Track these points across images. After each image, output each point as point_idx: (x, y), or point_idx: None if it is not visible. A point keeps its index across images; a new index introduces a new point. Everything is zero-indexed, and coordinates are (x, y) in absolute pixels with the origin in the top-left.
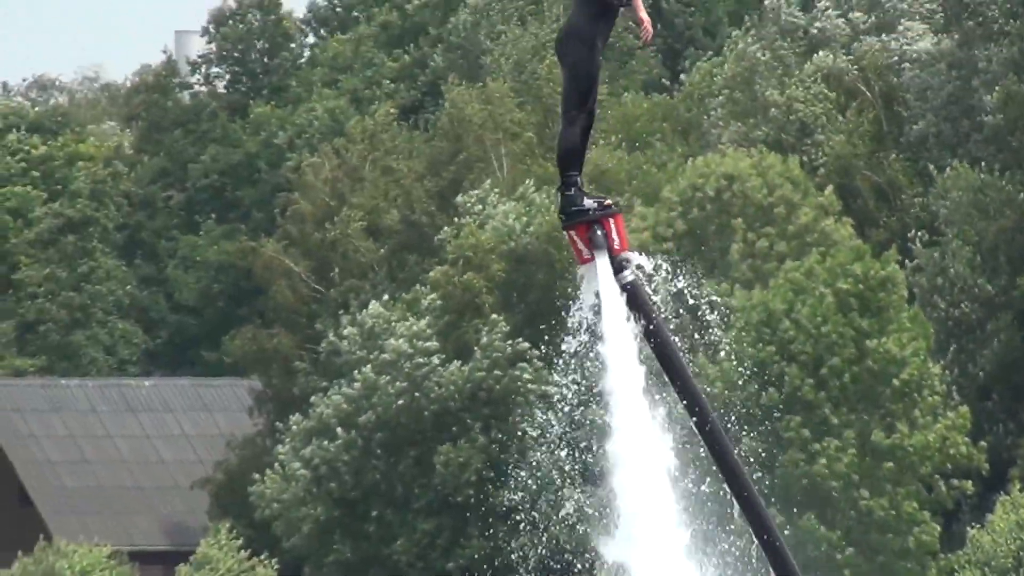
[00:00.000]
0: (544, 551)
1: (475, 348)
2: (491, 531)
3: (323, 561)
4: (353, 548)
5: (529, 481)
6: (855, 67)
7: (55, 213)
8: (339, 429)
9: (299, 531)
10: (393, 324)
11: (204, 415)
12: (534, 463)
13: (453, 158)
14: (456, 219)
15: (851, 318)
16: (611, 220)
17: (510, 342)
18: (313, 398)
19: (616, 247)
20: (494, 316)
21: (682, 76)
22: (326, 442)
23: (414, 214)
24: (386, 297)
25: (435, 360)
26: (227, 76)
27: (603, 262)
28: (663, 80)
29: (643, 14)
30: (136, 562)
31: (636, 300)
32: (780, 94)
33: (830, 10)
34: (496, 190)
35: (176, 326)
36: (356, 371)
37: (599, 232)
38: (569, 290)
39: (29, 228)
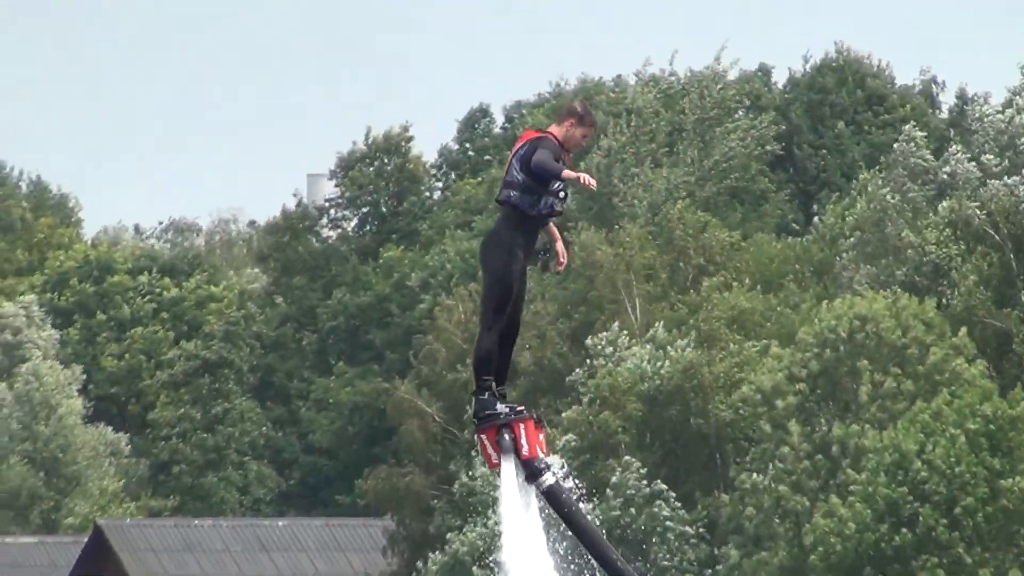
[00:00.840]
0: None
1: (608, 489)
2: None
3: None
4: None
5: None
6: (983, 211)
7: (189, 355)
8: (475, 568)
9: None
10: None
11: (338, 555)
12: None
13: (585, 300)
14: (588, 360)
15: (983, 458)
16: (521, 425)
17: (645, 481)
18: (449, 535)
19: (524, 452)
20: (627, 458)
21: (815, 219)
22: None
23: (547, 355)
24: None
25: None
26: (355, 219)
27: (507, 466)
28: (794, 224)
29: (559, 245)
30: None
31: (556, 502)
32: (915, 235)
33: (960, 153)
34: (625, 332)
35: (309, 467)
36: (491, 510)
37: (507, 436)
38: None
39: (162, 369)
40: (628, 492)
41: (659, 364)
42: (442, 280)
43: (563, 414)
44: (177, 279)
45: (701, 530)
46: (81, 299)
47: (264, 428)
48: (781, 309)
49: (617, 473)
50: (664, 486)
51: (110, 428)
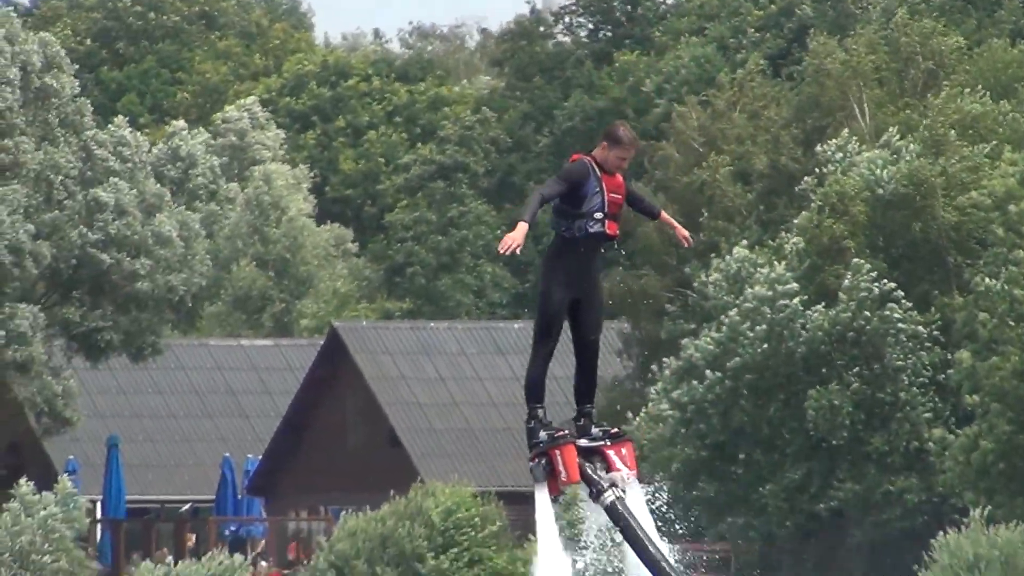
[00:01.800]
0: (919, 495)
1: (839, 292)
2: (863, 473)
3: (687, 499)
4: (719, 489)
5: (903, 422)
6: None
7: (424, 159)
8: (707, 371)
9: (667, 470)
10: (758, 269)
11: (572, 358)
12: (906, 404)
13: (817, 104)
14: (817, 169)
15: None
16: (558, 452)
17: (876, 284)
18: (683, 341)
19: (563, 479)
20: (856, 260)
21: None
22: (695, 382)
23: (781, 159)
24: (744, 242)
25: (796, 303)
26: (590, 25)
27: (541, 495)
28: None
29: (679, 231)
30: (503, 502)
31: (617, 519)
32: None
33: None
34: (855, 138)
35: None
36: (724, 315)
37: (541, 463)
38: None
39: (398, 173)
40: (861, 295)
41: (889, 169)
42: (676, 85)
43: (795, 220)
44: (410, 83)
45: (935, 332)
46: (318, 103)
47: (499, 232)
48: (1013, 115)
49: (848, 277)
50: (893, 284)
51: (338, 224)
